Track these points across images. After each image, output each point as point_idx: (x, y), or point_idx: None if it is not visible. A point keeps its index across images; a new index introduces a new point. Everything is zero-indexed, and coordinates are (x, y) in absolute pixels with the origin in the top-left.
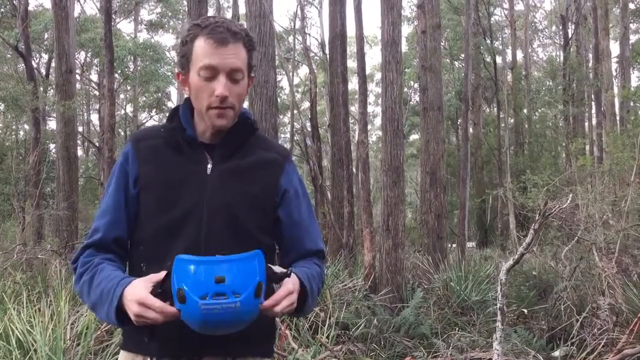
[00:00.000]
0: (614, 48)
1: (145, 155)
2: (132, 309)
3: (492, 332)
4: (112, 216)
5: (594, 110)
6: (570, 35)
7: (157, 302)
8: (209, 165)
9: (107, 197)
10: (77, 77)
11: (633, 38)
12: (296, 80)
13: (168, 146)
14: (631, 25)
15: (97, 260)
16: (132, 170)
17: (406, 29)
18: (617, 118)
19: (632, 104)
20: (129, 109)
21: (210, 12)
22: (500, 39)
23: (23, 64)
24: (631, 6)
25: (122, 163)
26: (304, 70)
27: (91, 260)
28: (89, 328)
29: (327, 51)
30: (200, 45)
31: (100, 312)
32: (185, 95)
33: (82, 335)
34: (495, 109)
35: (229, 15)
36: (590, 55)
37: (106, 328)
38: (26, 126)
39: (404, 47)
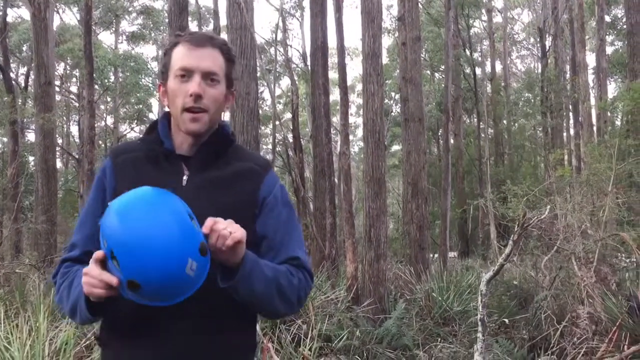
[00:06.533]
0: (591, 60)
1: (123, 169)
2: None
3: (473, 343)
4: (90, 230)
5: (571, 121)
6: (547, 48)
7: (94, 269)
8: (185, 177)
9: (85, 211)
10: (57, 88)
11: (609, 50)
12: (278, 92)
13: (146, 159)
14: (607, 37)
15: (76, 268)
16: (110, 184)
17: (387, 41)
18: (595, 129)
19: (608, 114)
20: (110, 120)
21: (192, 24)
22: (479, 50)
23: (1, 76)
24: (607, 19)
25: (100, 177)
26: (285, 82)
27: (70, 270)
28: (68, 344)
29: (308, 63)
30: (178, 50)
31: (77, 311)
32: (165, 108)
33: (61, 351)
34: (476, 119)
35: (210, 27)
36: (568, 67)
37: (86, 344)
38: (4, 139)
39: (385, 59)
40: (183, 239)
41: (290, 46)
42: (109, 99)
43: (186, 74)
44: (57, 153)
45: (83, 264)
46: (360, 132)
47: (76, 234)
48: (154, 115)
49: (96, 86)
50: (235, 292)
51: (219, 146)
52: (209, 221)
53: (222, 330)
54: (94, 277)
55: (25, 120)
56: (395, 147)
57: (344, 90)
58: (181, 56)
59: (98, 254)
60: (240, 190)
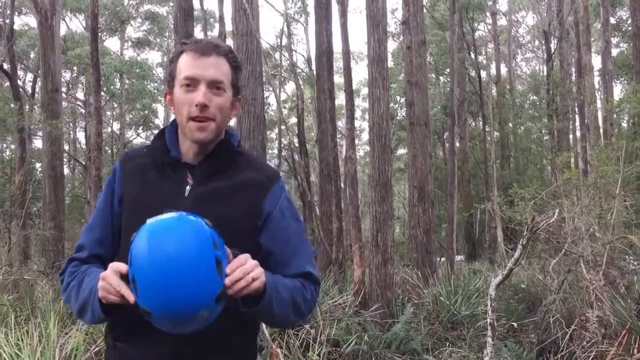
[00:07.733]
0: (596, 62)
1: (131, 175)
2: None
3: (482, 347)
4: (98, 234)
5: (577, 124)
6: (552, 50)
7: (113, 278)
8: (188, 187)
9: (95, 214)
10: (63, 95)
11: (615, 52)
12: (283, 96)
13: (153, 167)
14: (612, 39)
15: (85, 267)
16: (118, 188)
17: (392, 45)
18: (601, 131)
19: (615, 117)
20: (116, 126)
21: (197, 29)
22: (484, 53)
23: (9, 83)
24: (612, 21)
25: (110, 181)
26: (291, 86)
27: (78, 269)
28: (79, 350)
29: (313, 67)
30: (184, 59)
31: (88, 311)
32: (173, 115)
33: (72, 357)
34: (481, 122)
35: (215, 32)
36: (573, 69)
37: (95, 350)
38: (12, 146)
39: (390, 63)
40: (204, 293)
41: (295, 51)
42: (115, 105)
43: (192, 83)
44: (64, 159)
45: (90, 265)
46: (365, 136)
47: (85, 236)
48: (159, 121)
49: (102, 92)
50: (254, 316)
51: (222, 158)
52: (229, 272)
53: (229, 338)
54: (111, 284)
55: (32, 127)
56: (401, 151)
57: (350, 94)
58: (186, 65)
59: (122, 268)
60: (243, 202)
